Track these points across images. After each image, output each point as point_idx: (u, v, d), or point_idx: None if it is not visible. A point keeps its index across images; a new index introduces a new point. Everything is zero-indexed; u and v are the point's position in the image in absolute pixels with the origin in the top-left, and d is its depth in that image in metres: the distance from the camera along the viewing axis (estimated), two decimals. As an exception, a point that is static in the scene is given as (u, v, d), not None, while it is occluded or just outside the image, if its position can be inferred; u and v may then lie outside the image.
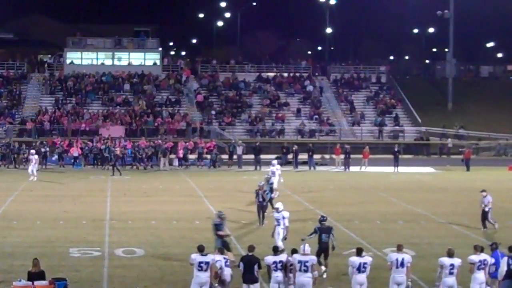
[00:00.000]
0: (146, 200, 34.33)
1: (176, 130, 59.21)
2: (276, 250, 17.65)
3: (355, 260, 17.31)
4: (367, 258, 17.40)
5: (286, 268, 17.29)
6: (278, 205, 23.78)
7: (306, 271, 17.17)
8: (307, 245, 17.76)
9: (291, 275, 17.31)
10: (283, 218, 23.10)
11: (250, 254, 17.51)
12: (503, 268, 17.36)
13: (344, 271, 20.08)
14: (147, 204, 33.04)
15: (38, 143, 49.94)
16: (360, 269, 17.18)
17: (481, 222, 28.07)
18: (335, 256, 21.45)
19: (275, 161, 37.88)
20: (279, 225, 23.08)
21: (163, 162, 48.86)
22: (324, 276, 20.23)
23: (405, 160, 52.42)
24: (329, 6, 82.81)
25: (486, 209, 27.99)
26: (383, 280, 18.14)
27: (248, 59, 75.45)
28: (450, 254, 17.23)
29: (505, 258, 17.44)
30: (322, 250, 20.54)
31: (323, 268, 20.34)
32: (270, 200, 29.68)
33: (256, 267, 17.12)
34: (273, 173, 35.50)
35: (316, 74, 71.07)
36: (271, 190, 30.37)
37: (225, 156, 51.64)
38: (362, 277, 17.22)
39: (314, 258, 17.55)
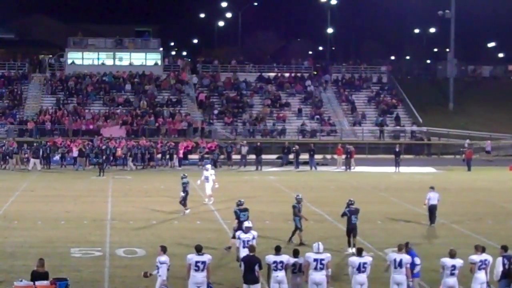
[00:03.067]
0: (147, 200, 34.33)
1: (177, 130, 59.25)
2: (278, 250, 17.65)
3: (355, 260, 17.31)
4: (367, 258, 17.39)
5: (286, 269, 17.31)
6: (248, 224, 20.73)
7: (321, 269, 17.19)
8: (320, 243, 17.77)
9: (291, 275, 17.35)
10: (254, 238, 20.25)
11: (251, 254, 17.50)
12: (499, 268, 17.36)
13: (345, 271, 20.09)
14: (148, 204, 33.04)
15: None
16: (360, 269, 17.17)
17: (430, 218, 28.44)
18: (335, 257, 21.42)
19: (208, 166, 35.00)
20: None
21: (129, 162, 48.65)
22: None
23: (406, 160, 52.44)
24: (330, 6, 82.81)
25: (430, 203, 28.37)
26: (384, 280, 18.14)
27: (249, 59, 75.52)
28: (452, 255, 17.22)
29: (500, 258, 17.43)
30: (242, 229, 22.09)
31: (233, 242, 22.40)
32: (184, 199, 30.02)
33: (256, 267, 17.11)
34: (207, 178, 32.96)
35: (317, 73, 71.14)
36: (184, 191, 30.00)
37: (222, 157, 51.59)
38: (362, 277, 17.20)
39: (329, 255, 17.55)
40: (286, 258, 17.37)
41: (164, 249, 17.80)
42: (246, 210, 23.26)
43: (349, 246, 23.58)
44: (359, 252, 17.52)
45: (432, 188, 28.86)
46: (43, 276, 16.91)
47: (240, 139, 56.08)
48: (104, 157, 47.04)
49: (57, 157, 50.06)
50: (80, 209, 31.57)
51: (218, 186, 33.39)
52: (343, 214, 23.97)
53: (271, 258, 17.32)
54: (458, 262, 17.12)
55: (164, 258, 17.51)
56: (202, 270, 17.02)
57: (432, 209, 28.43)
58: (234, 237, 22.26)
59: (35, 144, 49.53)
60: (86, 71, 67.51)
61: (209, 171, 33.31)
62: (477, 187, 41.08)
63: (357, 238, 23.84)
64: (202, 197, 34.32)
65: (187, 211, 30.24)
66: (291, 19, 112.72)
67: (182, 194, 30.13)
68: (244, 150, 51.04)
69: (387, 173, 48.27)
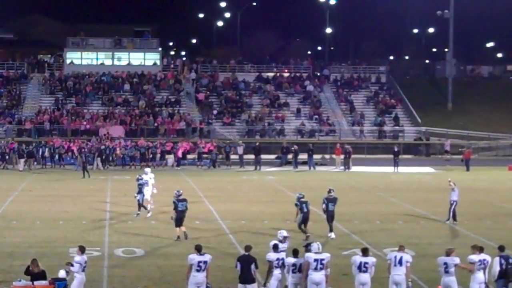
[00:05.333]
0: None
1: (176, 130, 59.23)
2: (277, 248, 17.63)
3: (357, 259, 17.29)
4: (369, 258, 17.30)
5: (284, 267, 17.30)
6: (285, 233, 19.30)
7: (321, 269, 17.17)
8: (319, 243, 17.75)
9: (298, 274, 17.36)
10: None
11: (246, 253, 17.44)
12: (496, 268, 17.37)
13: (344, 271, 20.10)
14: (147, 204, 32.97)
15: None
16: (361, 268, 17.12)
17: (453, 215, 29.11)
18: (335, 257, 21.42)
19: (148, 169, 32.28)
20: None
21: (96, 162, 48.42)
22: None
23: (405, 160, 52.43)
24: (329, 6, 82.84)
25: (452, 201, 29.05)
26: (382, 280, 18.12)
27: (248, 59, 75.49)
28: (447, 254, 17.26)
29: (497, 258, 17.45)
30: (180, 218, 24.96)
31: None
32: (141, 201, 29.60)
33: (253, 266, 17.08)
34: (146, 182, 30.68)
35: (317, 74, 71.24)
36: (140, 192, 29.50)
37: (221, 156, 51.55)
38: (364, 277, 17.11)
39: (328, 255, 17.53)
40: (284, 255, 17.38)
41: (81, 249, 17.74)
42: (184, 200, 25.16)
43: (331, 231, 25.84)
44: (364, 252, 17.47)
45: (455, 184, 29.23)
46: (40, 275, 16.87)
47: (236, 139, 56.06)
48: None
49: (56, 157, 49.95)
50: (79, 209, 31.55)
51: (156, 191, 31.56)
52: (323, 202, 25.96)
53: (273, 255, 17.31)
54: (451, 259, 17.11)
55: (78, 258, 17.44)
56: (203, 270, 16.99)
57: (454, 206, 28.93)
58: (177, 226, 25.00)
59: (23, 144, 49.42)
60: (85, 71, 67.53)
61: (148, 175, 31.24)
62: (476, 187, 41.06)
63: (333, 223, 26.06)
64: (202, 197, 34.29)
65: (137, 215, 29.65)
66: (290, 19, 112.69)
67: (137, 195, 29.63)
68: (241, 150, 51.04)
69: (386, 173, 48.26)
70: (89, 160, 46.51)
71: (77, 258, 17.47)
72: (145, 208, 29.87)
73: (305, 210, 25.40)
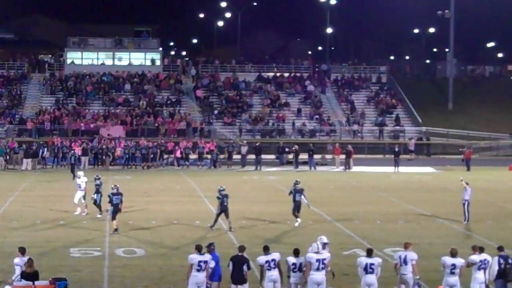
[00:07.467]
0: (147, 200, 34.30)
1: (176, 130, 59.23)
2: (267, 249, 17.54)
3: (363, 260, 17.22)
4: (375, 259, 17.22)
5: (279, 267, 17.25)
6: (325, 240, 18.09)
7: (323, 268, 17.15)
8: (319, 243, 17.72)
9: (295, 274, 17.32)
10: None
11: (239, 254, 17.39)
12: (495, 268, 17.37)
13: (345, 271, 20.10)
14: (148, 204, 33.01)
15: None
16: (367, 269, 17.04)
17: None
18: (336, 256, 21.42)
19: (81, 173, 31.66)
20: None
21: (83, 162, 48.13)
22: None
23: (406, 160, 52.39)
24: (329, 6, 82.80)
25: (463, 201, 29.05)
26: (383, 280, 18.10)
27: (248, 59, 75.50)
28: (453, 254, 17.22)
29: (496, 258, 17.46)
30: (115, 211, 26.17)
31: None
32: (99, 201, 29.12)
33: (245, 267, 17.04)
34: (79, 186, 30.27)
35: (316, 70, 71.34)
36: (97, 192, 29.14)
37: (222, 156, 51.52)
38: (370, 278, 17.04)
39: (329, 255, 17.49)
40: (277, 256, 17.28)
41: (21, 250, 17.55)
42: (119, 194, 26.42)
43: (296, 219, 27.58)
44: (369, 253, 17.42)
45: (467, 183, 29.18)
46: (33, 276, 16.82)
47: (240, 139, 56.12)
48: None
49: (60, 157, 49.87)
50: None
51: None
52: (290, 193, 28.04)
53: (262, 258, 17.22)
54: (458, 261, 17.11)
55: (17, 260, 17.29)
56: (204, 270, 16.99)
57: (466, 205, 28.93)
58: (113, 219, 26.13)
59: (26, 144, 49.38)
60: (86, 71, 67.56)
61: (81, 179, 30.55)
62: (476, 187, 40.83)
63: (299, 214, 27.73)
64: (202, 197, 34.24)
65: (100, 215, 29.27)
66: (291, 19, 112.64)
67: (94, 196, 29.27)
68: (244, 150, 51.05)
69: (386, 173, 48.25)
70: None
71: (16, 260, 17.31)
72: (100, 209, 29.46)
73: (225, 203, 26.14)
